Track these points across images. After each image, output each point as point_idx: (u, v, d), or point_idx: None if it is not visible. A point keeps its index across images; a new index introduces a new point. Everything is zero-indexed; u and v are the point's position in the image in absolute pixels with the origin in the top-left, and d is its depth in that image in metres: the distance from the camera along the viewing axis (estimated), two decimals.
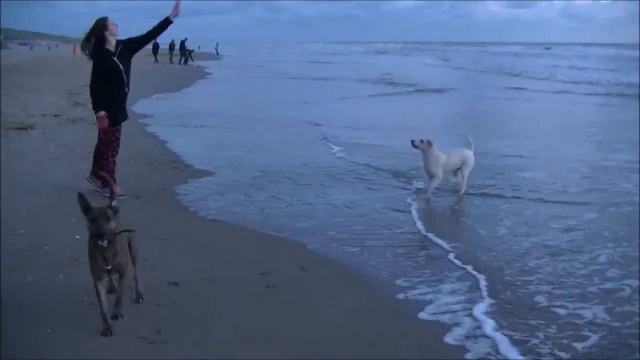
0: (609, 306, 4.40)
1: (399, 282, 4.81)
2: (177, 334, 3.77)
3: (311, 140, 11.78)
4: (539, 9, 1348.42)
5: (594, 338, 3.90)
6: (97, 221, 3.45)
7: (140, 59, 44.39)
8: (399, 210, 6.86)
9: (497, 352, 3.70)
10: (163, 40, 47.34)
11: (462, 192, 7.55)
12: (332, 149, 10.74)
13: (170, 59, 44.62)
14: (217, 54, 60.10)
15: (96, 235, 3.47)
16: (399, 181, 8.31)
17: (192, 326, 3.90)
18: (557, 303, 4.43)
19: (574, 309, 4.34)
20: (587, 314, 4.26)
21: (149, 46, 46.46)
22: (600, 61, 50.52)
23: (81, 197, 3.50)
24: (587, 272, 5.09)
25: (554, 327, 4.04)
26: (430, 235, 5.99)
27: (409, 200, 7.29)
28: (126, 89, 6.99)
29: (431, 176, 7.39)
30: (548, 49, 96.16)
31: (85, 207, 3.49)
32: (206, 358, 3.52)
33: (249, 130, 13.13)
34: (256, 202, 7.09)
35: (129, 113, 7.46)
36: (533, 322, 4.10)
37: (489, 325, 4.03)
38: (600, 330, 4.01)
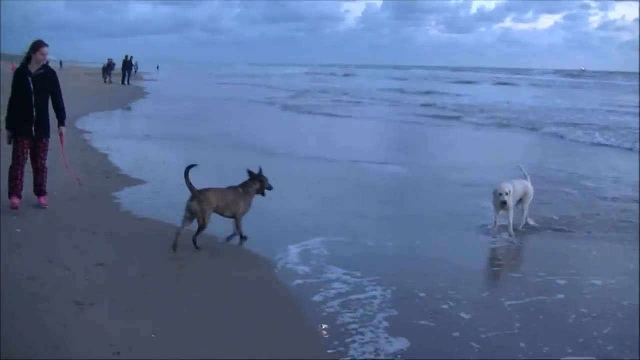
0: None
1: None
2: (104, 299, 4.79)
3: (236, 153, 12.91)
4: (478, 34, 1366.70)
5: None
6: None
7: (82, 78, 44.51)
8: None
9: None
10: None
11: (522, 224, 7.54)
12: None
13: (108, 79, 43.38)
14: (135, 72, 58.50)
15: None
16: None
17: (117, 295, 4.90)
18: None
19: None
20: None
21: (99, 65, 44.33)
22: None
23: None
24: None
25: None
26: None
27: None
28: (33, 110, 7.15)
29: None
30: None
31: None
32: (131, 316, 4.55)
33: (180, 146, 14.01)
34: (179, 203, 8.03)
35: (73, 129, 8.20)
36: None
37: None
38: None
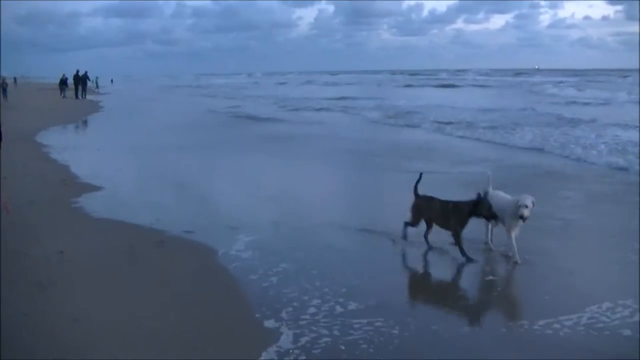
0: None
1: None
2: (64, 282, 5.53)
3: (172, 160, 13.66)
4: (431, 36, 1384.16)
5: None
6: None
7: (36, 93, 44.46)
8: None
9: None
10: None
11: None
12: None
13: (63, 93, 44.45)
14: (97, 87, 58.67)
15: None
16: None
17: (76, 279, 5.65)
18: None
19: None
20: None
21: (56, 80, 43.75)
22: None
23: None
24: None
25: None
26: None
27: None
28: None
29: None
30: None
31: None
32: (89, 296, 5.30)
33: (133, 155, 14.73)
34: (132, 205, 8.90)
35: (33, 142, 8.52)
36: None
37: None
38: None
